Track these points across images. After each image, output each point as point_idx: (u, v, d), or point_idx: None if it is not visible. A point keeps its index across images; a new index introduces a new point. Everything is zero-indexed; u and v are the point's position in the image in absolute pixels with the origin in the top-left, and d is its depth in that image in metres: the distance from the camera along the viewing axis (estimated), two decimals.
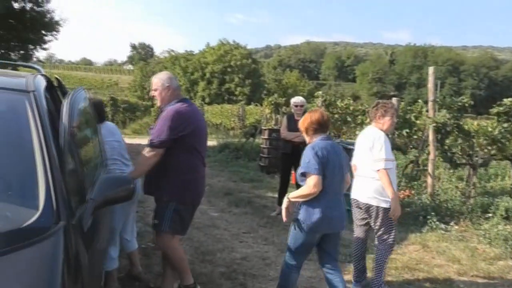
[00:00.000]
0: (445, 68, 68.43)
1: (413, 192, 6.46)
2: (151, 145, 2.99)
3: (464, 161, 6.48)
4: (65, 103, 1.89)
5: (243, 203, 6.56)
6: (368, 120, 5.24)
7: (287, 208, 2.98)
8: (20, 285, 1.33)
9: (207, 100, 38.65)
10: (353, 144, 5.77)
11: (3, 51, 14.43)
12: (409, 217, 5.59)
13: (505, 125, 6.03)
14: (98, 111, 3.18)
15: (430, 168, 6.17)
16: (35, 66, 3.10)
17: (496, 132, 6.01)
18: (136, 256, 3.63)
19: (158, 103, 3.21)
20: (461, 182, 6.69)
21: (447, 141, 6.26)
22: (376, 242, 3.56)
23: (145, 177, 3.14)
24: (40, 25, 14.64)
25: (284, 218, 3.00)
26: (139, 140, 13.83)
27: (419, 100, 8.39)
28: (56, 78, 2.91)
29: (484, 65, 74.70)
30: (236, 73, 43.32)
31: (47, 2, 14.81)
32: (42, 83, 2.23)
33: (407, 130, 7.23)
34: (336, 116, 9.19)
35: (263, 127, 10.69)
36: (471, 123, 7.04)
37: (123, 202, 2.10)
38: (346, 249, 4.56)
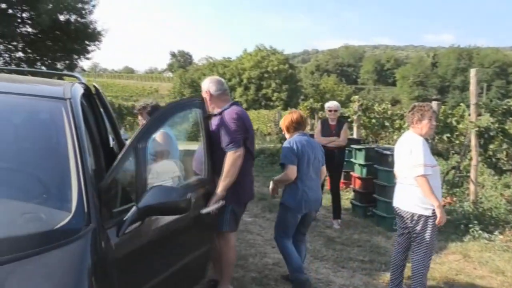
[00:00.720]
0: (492, 70, 65.62)
1: (454, 199, 6.20)
2: (233, 146, 2.99)
3: (510, 167, 6.16)
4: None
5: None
6: (406, 124, 5.08)
7: (273, 189, 3.84)
8: (50, 285, 1.38)
9: (244, 106, 38.96)
10: (389, 149, 5.66)
11: (50, 61, 15.16)
12: (449, 225, 5.35)
13: None
14: None
15: (472, 174, 5.89)
16: (76, 75, 3.26)
17: None
18: None
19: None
20: (507, 189, 6.36)
21: (491, 146, 5.96)
22: (415, 251, 3.43)
23: None
24: (83, 36, 15.20)
25: (271, 193, 3.91)
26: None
27: (461, 104, 8.08)
28: (94, 86, 3.04)
29: None
30: (273, 78, 43.47)
31: (90, 13, 15.43)
32: (79, 90, 2.33)
33: (448, 135, 6.97)
34: (373, 120, 9.02)
35: None
36: None
37: (178, 214, 2.01)
38: (381, 257, 4.44)
